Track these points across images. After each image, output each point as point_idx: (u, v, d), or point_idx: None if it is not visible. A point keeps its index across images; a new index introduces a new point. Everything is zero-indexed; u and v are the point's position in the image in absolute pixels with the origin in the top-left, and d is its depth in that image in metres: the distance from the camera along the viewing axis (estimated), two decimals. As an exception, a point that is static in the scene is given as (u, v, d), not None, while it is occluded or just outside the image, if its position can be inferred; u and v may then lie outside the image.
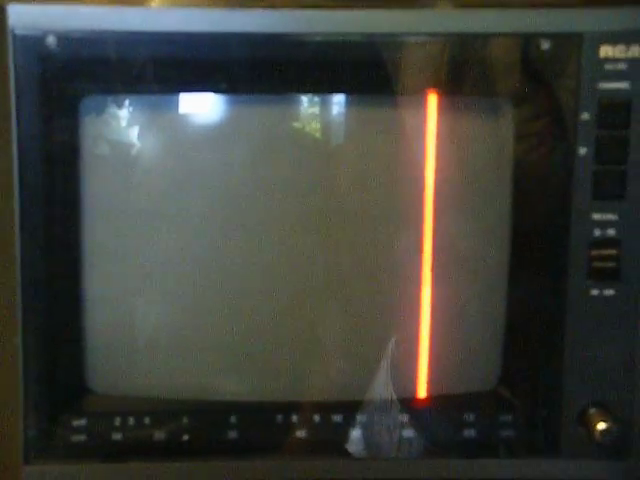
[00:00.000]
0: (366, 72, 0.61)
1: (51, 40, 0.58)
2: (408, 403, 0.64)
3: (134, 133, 0.62)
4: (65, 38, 0.58)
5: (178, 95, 0.62)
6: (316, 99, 0.63)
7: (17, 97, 0.58)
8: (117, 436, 0.63)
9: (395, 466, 0.65)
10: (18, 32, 0.58)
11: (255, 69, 0.60)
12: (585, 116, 0.60)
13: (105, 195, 0.62)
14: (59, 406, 0.63)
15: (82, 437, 0.63)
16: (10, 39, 0.57)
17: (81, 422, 0.63)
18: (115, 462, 0.63)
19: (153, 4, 0.61)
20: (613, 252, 0.62)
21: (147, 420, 0.63)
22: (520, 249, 0.63)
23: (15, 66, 0.58)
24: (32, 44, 0.58)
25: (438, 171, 0.63)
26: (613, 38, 0.59)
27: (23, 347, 0.61)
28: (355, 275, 0.64)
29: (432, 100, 0.62)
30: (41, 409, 0.62)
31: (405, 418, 0.64)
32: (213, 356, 0.65)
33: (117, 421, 0.63)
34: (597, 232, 0.62)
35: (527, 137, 0.62)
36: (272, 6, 0.61)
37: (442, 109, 0.62)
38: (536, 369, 0.64)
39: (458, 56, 0.60)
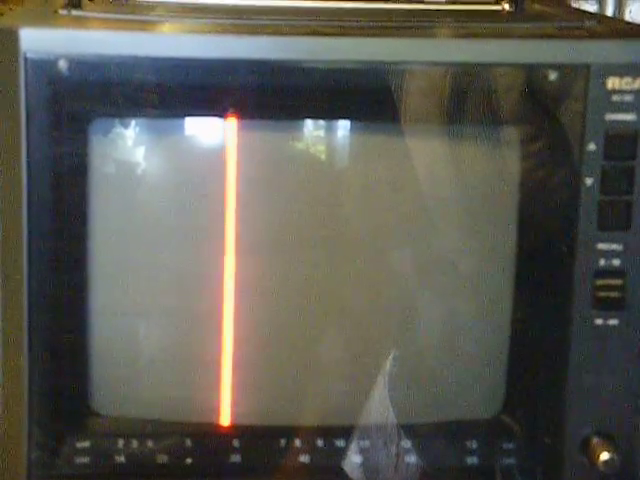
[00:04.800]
0: (372, 100, 0.61)
1: (62, 64, 0.58)
2: (411, 429, 0.64)
3: (142, 155, 0.62)
4: (76, 62, 0.58)
5: (185, 119, 0.62)
6: (321, 125, 0.63)
7: (27, 119, 0.58)
8: (120, 458, 0.63)
9: (398, 492, 0.65)
10: (30, 56, 0.58)
11: (261, 95, 0.61)
12: (591, 147, 0.60)
13: (112, 214, 0.62)
14: (63, 427, 0.63)
15: (85, 459, 0.63)
16: (22, 63, 0.57)
17: (85, 444, 0.63)
18: (118, 484, 0.64)
19: (164, 29, 0.62)
20: (618, 282, 0.62)
21: (150, 443, 0.63)
22: (525, 277, 0.63)
23: (26, 89, 0.58)
24: (44, 68, 0.58)
25: (442, 196, 0.63)
26: (620, 70, 0.60)
27: (29, 367, 0.61)
28: (357, 298, 0.64)
29: (436, 128, 0.62)
30: (45, 430, 0.62)
31: (408, 444, 0.64)
32: (217, 378, 0.64)
33: (120, 443, 0.63)
34: (602, 262, 0.62)
35: (533, 166, 0.62)
36: (279, 33, 0.61)
37: (447, 137, 0.63)
38: (539, 397, 0.64)
39: (464, 85, 0.61)
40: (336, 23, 0.67)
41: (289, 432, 0.64)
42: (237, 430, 0.64)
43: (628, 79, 0.60)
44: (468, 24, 0.69)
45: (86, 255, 0.62)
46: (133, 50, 0.59)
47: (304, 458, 0.64)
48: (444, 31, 0.67)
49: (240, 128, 0.62)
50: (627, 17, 1.00)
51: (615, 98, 0.60)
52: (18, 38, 0.58)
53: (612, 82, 0.60)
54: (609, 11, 0.99)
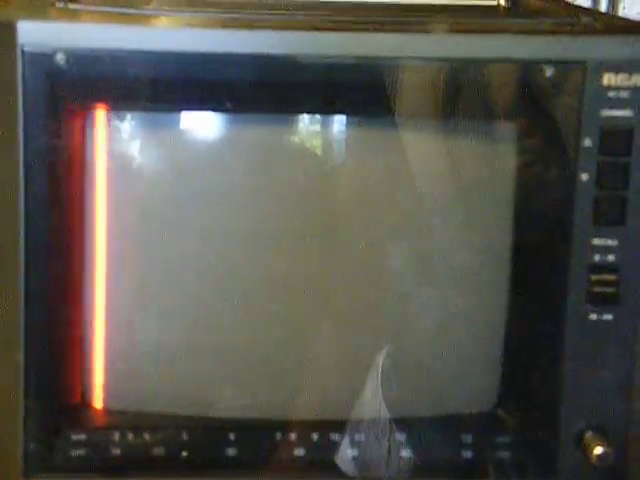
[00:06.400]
0: (367, 95, 0.61)
1: (60, 57, 0.58)
2: (406, 423, 0.65)
3: (138, 148, 0.62)
4: (74, 55, 0.58)
5: (181, 113, 0.62)
6: (316, 119, 0.63)
7: (24, 112, 0.58)
8: (116, 451, 0.63)
9: (393, 486, 0.65)
10: (27, 49, 0.58)
11: (257, 90, 0.61)
12: (587, 142, 0.61)
13: (109, 207, 0.62)
14: (59, 420, 0.63)
15: (81, 451, 0.63)
16: (19, 56, 0.57)
17: (80, 437, 0.63)
18: (114, 477, 0.64)
19: (161, 23, 0.62)
20: (612, 277, 0.62)
21: (146, 435, 0.63)
22: (520, 272, 0.64)
23: (23, 82, 0.58)
24: (41, 61, 0.58)
25: (437, 191, 0.64)
26: (616, 66, 0.60)
27: (25, 361, 0.61)
28: (352, 292, 0.65)
29: (432, 123, 0.63)
30: (41, 423, 0.62)
31: (403, 438, 0.64)
32: (213, 372, 0.65)
33: (116, 436, 0.63)
34: (597, 257, 0.62)
35: (529, 162, 0.62)
36: (275, 28, 0.61)
37: (443, 132, 0.63)
38: (534, 391, 0.64)
39: (460, 81, 0.61)
40: (332, 18, 0.67)
41: (284, 426, 0.64)
42: (233, 423, 0.64)
43: (624, 75, 0.60)
44: (464, 20, 0.70)
45: (82, 248, 0.62)
46: (130, 43, 0.59)
47: (299, 451, 0.64)
48: (440, 27, 0.67)
49: (236, 122, 0.62)
50: (621, 13, 1.00)
51: (611, 94, 0.60)
52: (15, 31, 0.58)
53: (608, 78, 0.60)
54: (603, 7, 1.00)
